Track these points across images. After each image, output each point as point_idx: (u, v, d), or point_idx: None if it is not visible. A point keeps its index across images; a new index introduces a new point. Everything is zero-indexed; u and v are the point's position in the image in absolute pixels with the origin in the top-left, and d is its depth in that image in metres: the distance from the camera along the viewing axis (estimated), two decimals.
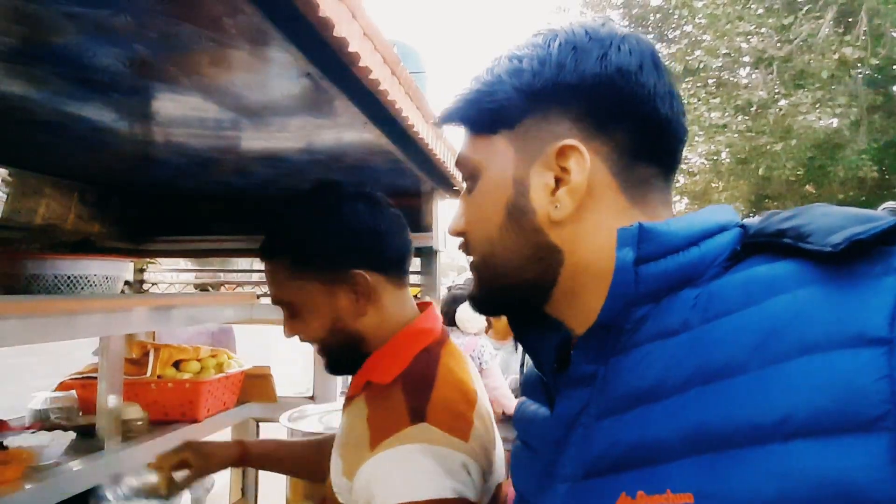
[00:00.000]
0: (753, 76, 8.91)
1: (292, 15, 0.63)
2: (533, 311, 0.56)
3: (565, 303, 0.53)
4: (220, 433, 1.83)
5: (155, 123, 1.06)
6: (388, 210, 0.93)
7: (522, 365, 0.67)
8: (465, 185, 0.58)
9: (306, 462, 1.16)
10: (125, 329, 1.35)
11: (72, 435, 1.33)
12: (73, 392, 1.61)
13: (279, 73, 0.79)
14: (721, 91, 8.82)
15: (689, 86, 8.97)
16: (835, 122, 7.99)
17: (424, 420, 0.74)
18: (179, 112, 0.98)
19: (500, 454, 0.85)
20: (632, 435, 0.44)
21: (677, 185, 9.68)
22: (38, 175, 1.55)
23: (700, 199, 10.27)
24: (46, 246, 1.58)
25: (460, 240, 0.59)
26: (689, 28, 9.87)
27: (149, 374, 1.67)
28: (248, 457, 1.16)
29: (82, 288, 1.26)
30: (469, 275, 0.91)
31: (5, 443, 1.23)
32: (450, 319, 2.75)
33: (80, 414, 1.57)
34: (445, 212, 1.76)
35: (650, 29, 10.53)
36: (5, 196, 1.49)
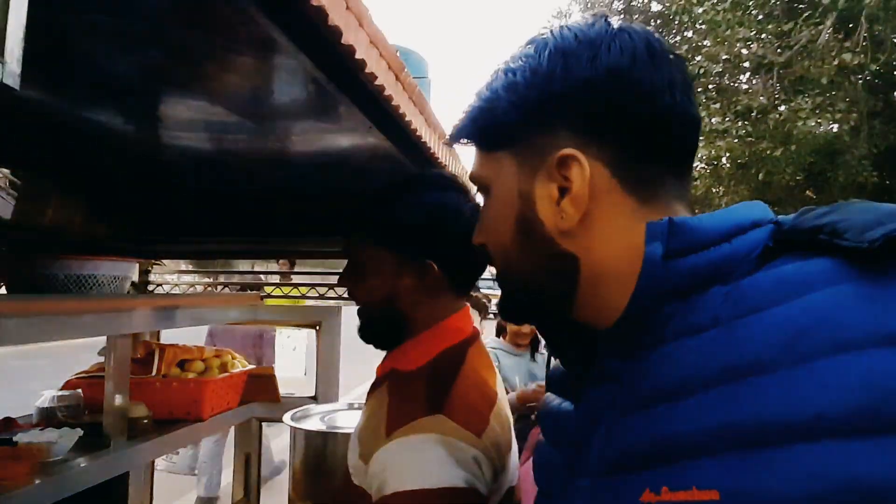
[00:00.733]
0: (753, 82, 8.96)
1: (302, 23, 0.66)
2: (558, 319, 0.56)
3: (589, 307, 0.52)
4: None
5: (164, 127, 1.09)
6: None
7: (548, 364, 0.66)
8: (482, 198, 0.59)
9: None
10: (133, 328, 1.37)
11: (79, 432, 1.35)
12: (80, 390, 1.63)
13: (287, 79, 0.82)
14: (721, 96, 8.87)
15: None
16: (835, 127, 8.02)
17: (441, 412, 0.76)
18: (188, 116, 1.01)
19: (514, 459, 0.86)
20: (657, 431, 0.43)
21: None
22: (47, 177, 1.57)
23: (701, 204, 10.28)
24: (56, 247, 1.61)
25: None
26: (689, 34, 9.92)
27: (154, 373, 1.69)
28: None
29: (91, 288, 1.28)
30: None
31: (15, 439, 1.26)
32: None
33: (87, 412, 1.59)
34: None
35: None
36: (15, 198, 1.52)
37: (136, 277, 2.00)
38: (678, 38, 10.43)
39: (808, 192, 9.28)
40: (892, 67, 7.95)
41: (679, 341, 0.45)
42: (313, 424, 1.51)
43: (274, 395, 1.98)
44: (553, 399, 0.61)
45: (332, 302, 2.29)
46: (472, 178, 0.59)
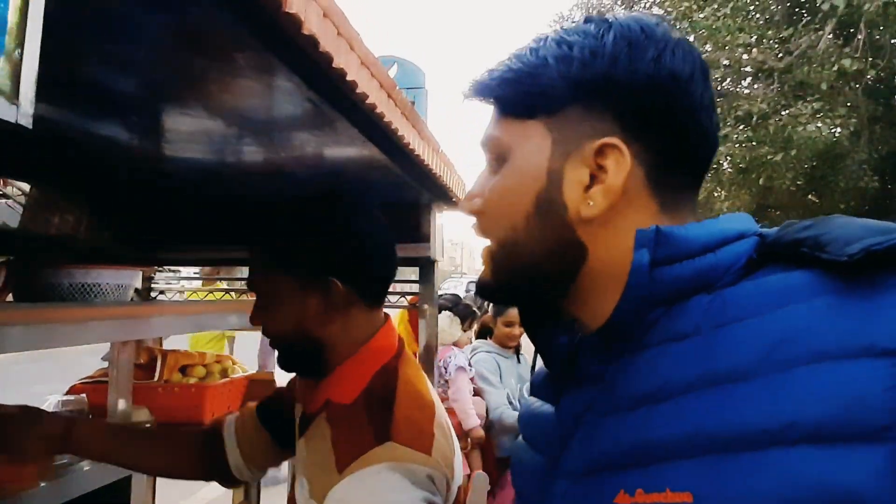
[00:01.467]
0: (754, 87, 9.00)
1: (294, 49, 0.70)
2: (546, 305, 0.55)
3: (580, 300, 0.52)
4: None
5: (167, 141, 1.13)
6: (383, 232, 0.94)
7: (533, 367, 0.66)
8: (488, 164, 0.56)
9: (139, 456, 1.13)
10: (137, 334, 1.41)
11: None
12: (84, 395, 1.67)
13: (283, 99, 0.85)
14: (722, 102, 8.89)
15: None
16: (836, 132, 8.04)
17: (389, 439, 0.77)
18: (191, 132, 1.04)
19: (458, 460, 0.88)
20: (634, 434, 0.44)
21: None
22: (52, 188, 1.61)
23: (702, 209, 10.27)
24: (61, 256, 1.65)
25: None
26: (690, 39, 9.94)
27: (157, 378, 1.73)
28: (72, 440, 1.05)
29: (95, 295, 1.32)
30: (448, 286, 0.91)
31: None
32: None
33: (91, 416, 1.63)
34: (443, 222, 1.82)
35: None
36: (22, 208, 1.56)
37: (139, 285, 2.04)
38: None
39: (809, 196, 9.28)
40: (891, 73, 7.97)
41: (661, 347, 0.46)
42: None
43: None
44: (534, 402, 0.62)
45: None
46: (488, 140, 0.55)
